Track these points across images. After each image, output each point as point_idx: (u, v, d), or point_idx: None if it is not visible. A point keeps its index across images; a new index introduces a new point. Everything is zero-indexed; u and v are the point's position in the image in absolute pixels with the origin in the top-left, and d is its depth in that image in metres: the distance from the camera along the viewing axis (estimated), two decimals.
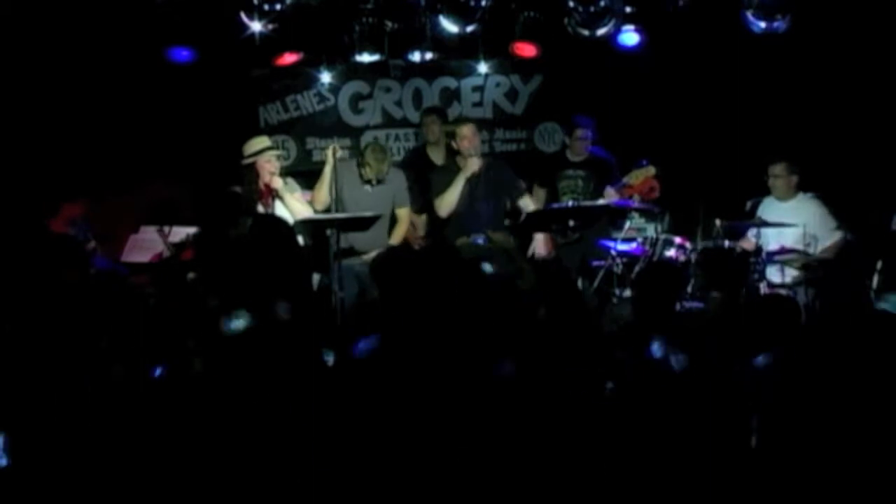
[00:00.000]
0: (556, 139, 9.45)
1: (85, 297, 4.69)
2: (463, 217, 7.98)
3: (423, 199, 8.38)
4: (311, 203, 7.82)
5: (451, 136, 8.24)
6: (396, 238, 7.91)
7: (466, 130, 8.07)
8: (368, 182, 7.80)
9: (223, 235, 6.69)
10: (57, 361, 4.32)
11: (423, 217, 8.48)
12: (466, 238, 7.75)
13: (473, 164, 7.93)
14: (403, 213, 7.98)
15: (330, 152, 7.71)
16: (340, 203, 7.63)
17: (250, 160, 7.65)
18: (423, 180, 8.34)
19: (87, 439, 3.89)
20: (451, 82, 9.82)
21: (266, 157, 7.69)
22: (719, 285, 6.36)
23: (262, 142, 7.84)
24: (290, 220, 7.04)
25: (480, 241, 7.76)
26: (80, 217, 7.57)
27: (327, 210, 7.61)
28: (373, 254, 7.66)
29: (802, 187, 8.02)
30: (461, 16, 8.29)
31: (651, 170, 8.00)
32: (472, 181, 7.98)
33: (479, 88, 9.82)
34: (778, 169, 7.95)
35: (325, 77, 9.45)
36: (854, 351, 4.03)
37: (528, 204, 8.15)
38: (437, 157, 8.74)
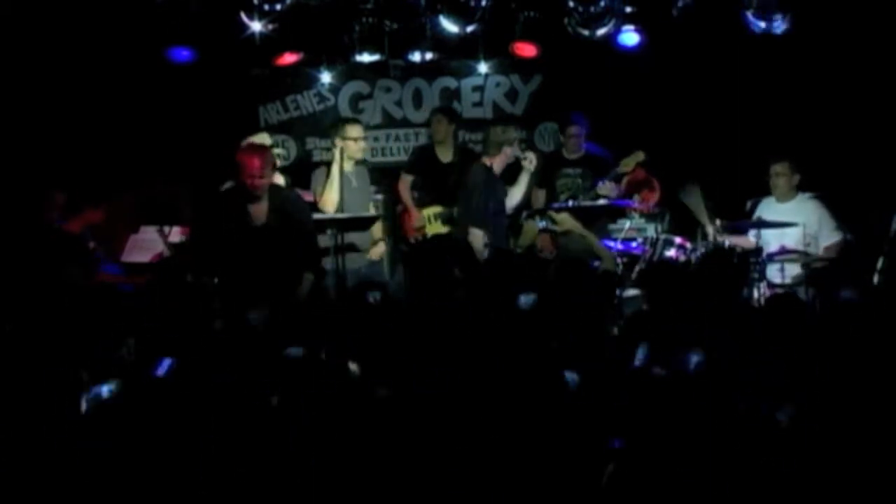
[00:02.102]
0: (556, 139, 9.46)
1: (86, 296, 4.71)
2: (484, 216, 7.80)
3: (430, 195, 8.54)
4: (320, 206, 7.80)
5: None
6: (383, 233, 8.03)
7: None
8: (362, 163, 7.88)
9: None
10: (57, 361, 4.32)
11: (426, 211, 8.60)
12: (532, 222, 7.75)
13: (532, 159, 7.72)
14: (372, 209, 8.01)
15: (338, 153, 7.68)
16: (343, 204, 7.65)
17: None
18: (431, 178, 8.49)
19: (86, 440, 3.89)
20: (451, 82, 9.83)
21: None
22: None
23: (262, 139, 7.83)
24: None
25: (544, 223, 7.80)
26: (97, 224, 7.60)
27: (338, 212, 7.59)
28: (377, 250, 7.75)
29: (803, 187, 8.02)
30: (461, 16, 8.30)
31: (640, 155, 8.02)
32: (489, 183, 7.76)
33: (479, 88, 9.83)
34: (780, 167, 7.94)
35: (325, 77, 9.47)
36: (856, 349, 4.03)
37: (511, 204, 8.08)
38: (444, 155, 8.76)
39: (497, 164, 7.73)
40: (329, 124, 8.37)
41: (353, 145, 7.69)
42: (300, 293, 6.55)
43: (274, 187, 6.77)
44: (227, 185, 7.58)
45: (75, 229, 7.59)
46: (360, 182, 7.82)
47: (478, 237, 7.39)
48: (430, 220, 8.62)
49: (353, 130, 7.75)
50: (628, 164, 8.08)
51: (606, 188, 8.12)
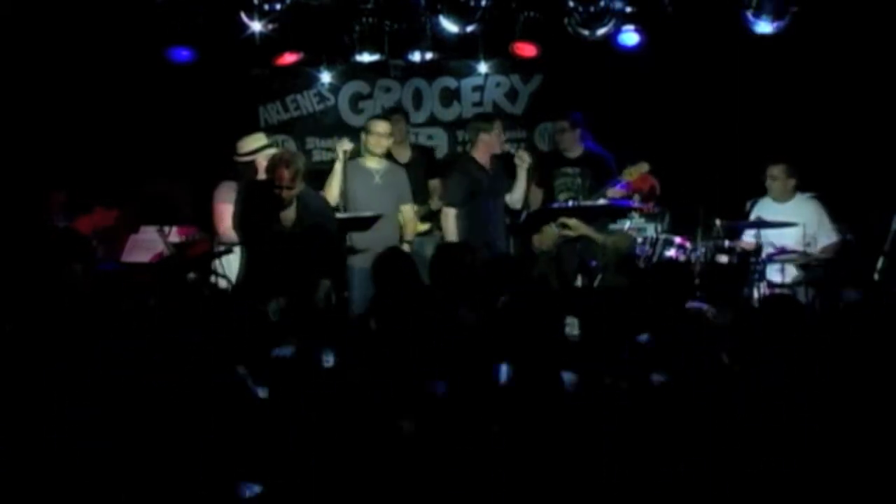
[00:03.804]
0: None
1: (88, 294, 4.70)
2: (480, 212, 7.96)
3: None
4: None
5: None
6: (410, 235, 7.98)
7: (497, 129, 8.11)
8: (391, 159, 8.02)
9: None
10: (58, 360, 4.32)
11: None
12: (550, 227, 7.94)
13: (524, 156, 8.03)
14: (409, 210, 8.01)
15: (340, 151, 7.70)
16: (352, 202, 7.64)
17: (249, 158, 7.60)
18: None
19: (89, 439, 3.89)
20: (451, 82, 9.83)
21: (265, 154, 7.65)
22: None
23: (259, 139, 7.80)
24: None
25: (557, 229, 7.90)
26: (107, 226, 7.61)
27: (336, 208, 7.60)
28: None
29: (802, 187, 8.02)
30: (461, 16, 8.30)
31: (644, 166, 8.00)
32: (491, 176, 8.04)
33: (479, 88, 9.83)
34: (776, 170, 7.95)
35: (325, 77, 9.48)
36: (855, 350, 4.03)
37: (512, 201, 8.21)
38: (401, 156, 8.67)
39: (479, 153, 8.04)
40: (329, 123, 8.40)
41: (371, 139, 7.80)
42: (316, 299, 6.63)
43: (303, 193, 6.83)
44: (227, 184, 7.59)
45: (85, 229, 7.60)
46: (387, 180, 7.85)
47: (448, 216, 7.90)
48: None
49: (377, 126, 7.88)
50: (632, 174, 8.05)
51: (614, 193, 8.09)
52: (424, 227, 8.48)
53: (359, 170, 7.86)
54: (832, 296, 7.24)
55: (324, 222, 6.88)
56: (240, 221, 7.01)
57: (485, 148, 8.03)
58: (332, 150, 9.38)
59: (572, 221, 7.98)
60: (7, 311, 5.26)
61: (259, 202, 6.78)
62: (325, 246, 6.78)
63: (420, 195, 8.51)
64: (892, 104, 8.66)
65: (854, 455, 3.70)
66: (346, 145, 7.73)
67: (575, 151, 8.44)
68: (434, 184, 8.67)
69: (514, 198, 8.11)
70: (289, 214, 6.76)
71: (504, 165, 8.16)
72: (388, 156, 8.51)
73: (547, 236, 8.05)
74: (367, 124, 7.99)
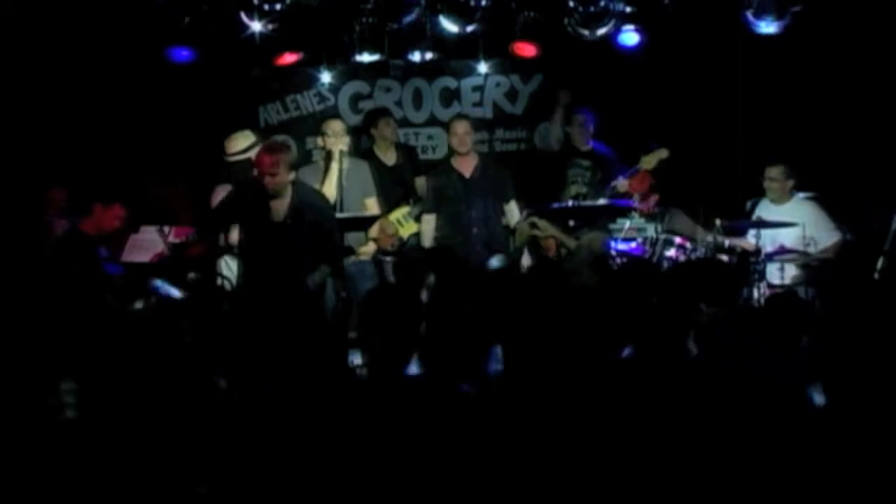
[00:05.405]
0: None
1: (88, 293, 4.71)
2: (458, 216, 8.01)
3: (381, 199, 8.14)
4: None
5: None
6: (375, 231, 7.84)
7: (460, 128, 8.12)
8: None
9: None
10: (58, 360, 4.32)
11: (392, 216, 8.38)
12: (523, 226, 8.00)
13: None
14: (373, 203, 7.78)
15: (336, 150, 7.64)
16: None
17: (241, 157, 7.50)
18: (380, 182, 8.05)
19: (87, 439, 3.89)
20: (451, 82, 9.84)
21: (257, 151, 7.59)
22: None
23: (248, 137, 7.65)
24: None
25: (527, 226, 8.04)
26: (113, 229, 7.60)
27: (333, 207, 7.55)
28: (365, 249, 7.72)
29: (802, 188, 8.02)
30: (461, 16, 8.31)
31: (663, 151, 7.96)
32: (468, 180, 8.04)
33: (479, 88, 9.84)
34: (774, 172, 7.93)
35: (325, 77, 9.48)
36: (856, 350, 4.04)
37: (512, 210, 8.14)
38: (387, 157, 8.62)
39: (455, 157, 8.17)
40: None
41: (328, 141, 7.69)
42: (311, 280, 6.56)
43: (298, 186, 6.75)
44: (223, 187, 7.56)
45: (90, 230, 7.60)
46: (350, 179, 7.71)
47: (423, 222, 8.16)
48: (400, 223, 8.42)
49: (329, 126, 7.75)
50: (650, 161, 7.99)
51: (623, 186, 8.04)
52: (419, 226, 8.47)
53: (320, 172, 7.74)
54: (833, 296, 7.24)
55: (320, 214, 6.78)
56: (227, 214, 6.89)
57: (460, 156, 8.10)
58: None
59: (542, 223, 7.97)
60: (7, 311, 5.27)
61: (250, 194, 6.71)
62: (322, 238, 6.71)
63: (412, 196, 8.50)
64: (892, 104, 8.66)
65: (854, 455, 3.70)
66: (341, 145, 7.68)
67: (585, 145, 8.41)
68: (420, 182, 8.64)
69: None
70: (280, 206, 6.68)
71: (493, 169, 8.18)
72: (372, 156, 8.51)
73: (519, 234, 8.05)
74: (322, 126, 7.86)
